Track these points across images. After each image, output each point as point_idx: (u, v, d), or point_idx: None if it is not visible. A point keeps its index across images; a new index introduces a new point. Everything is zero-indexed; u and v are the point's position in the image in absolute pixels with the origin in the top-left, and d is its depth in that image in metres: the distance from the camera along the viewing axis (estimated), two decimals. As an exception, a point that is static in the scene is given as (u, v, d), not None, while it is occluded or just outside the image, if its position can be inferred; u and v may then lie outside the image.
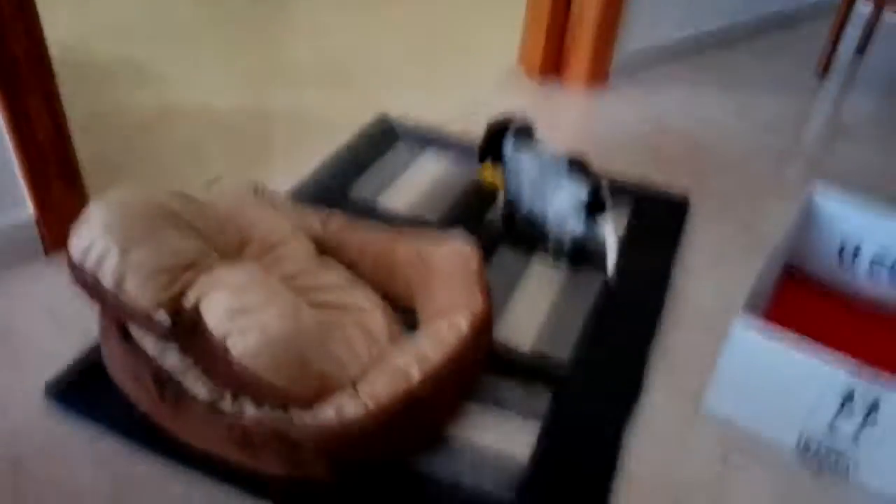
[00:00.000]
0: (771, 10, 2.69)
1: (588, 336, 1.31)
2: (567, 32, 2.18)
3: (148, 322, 1.02)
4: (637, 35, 2.25)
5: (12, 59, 1.22)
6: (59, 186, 1.38)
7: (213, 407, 1.01)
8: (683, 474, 1.11)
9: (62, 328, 1.27)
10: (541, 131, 1.95)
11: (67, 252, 1.06)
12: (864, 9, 2.58)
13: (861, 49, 2.69)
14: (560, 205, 1.41)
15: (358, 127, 1.91)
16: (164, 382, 1.03)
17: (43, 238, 1.41)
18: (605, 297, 1.40)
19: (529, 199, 1.51)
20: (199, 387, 1.03)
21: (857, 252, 1.42)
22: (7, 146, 1.31)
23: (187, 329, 1.01)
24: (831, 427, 1.07)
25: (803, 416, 1.09)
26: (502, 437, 1.12)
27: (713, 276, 1.51)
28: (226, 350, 0.97)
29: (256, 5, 2.67)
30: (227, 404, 1.01)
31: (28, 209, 1.38)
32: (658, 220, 1.65)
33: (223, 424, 1.00)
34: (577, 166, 1.42)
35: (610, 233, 1.38)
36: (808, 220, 1.43)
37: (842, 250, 1.44)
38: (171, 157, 1.76)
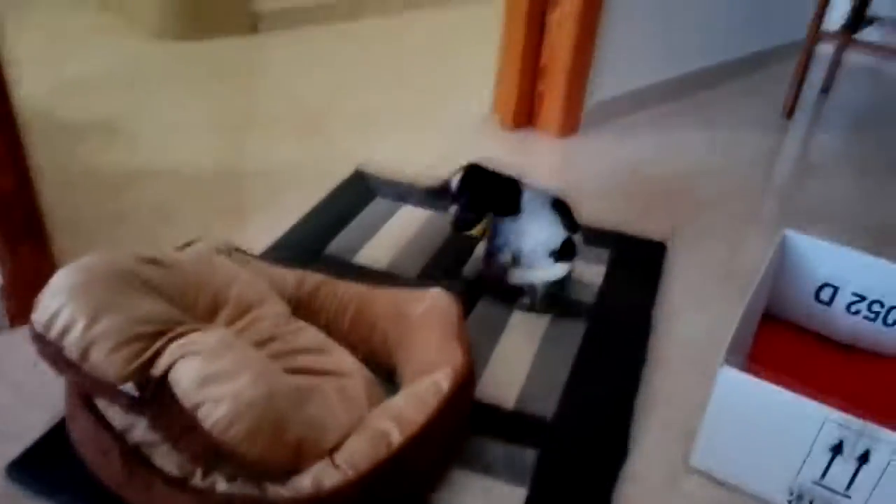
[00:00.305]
0: (739, 54, 2.75)
1: (572, 388, 1.29)
2: (538, 81, 2.21)
3: (114, 394, 0.98)
4: (607, 82, 2.28)
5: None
6: (25, 250, 1.34)
7: (183, 483, 0.97)
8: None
9: (27, 404, 1.22)
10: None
11: (31, 322, 1.02)
12: (827, 49, 2.64)
13: (826, 89, 2.75)
14: (535, 244, 1.42)
15: (333, 179, 1.90)
16: (131, 458, 0.99)
17: (8, 308, 1.37)
18: (589, 346, 1.39)
19: (511, 239, 1.47)
20: (168, 462, 0.99)
21: (834, 293, 1.42)
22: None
23: (156, 400, 0.97)
24: (823, 476, 1.05)
25: (794, 467, 1.07)
26: (488, 502, 1.09)
27: (696, 315, 1.51)
28: (196, 421, 0.94)
29: (228, 56, 2.68)
30: (198, 480, 0.97)
31: (-6, 278, 1.34)
32: (637, 264, 1.64)
33: (194, 502, 0.95)
34: (560, 207, 1.44)
35: (561, 269, 1.43)
36: (782, 263, 1.43)
37: (818, 292, 1.43)
38: (143, 219, 1.74)
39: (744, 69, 2.80)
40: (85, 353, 0.98)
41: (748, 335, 1.35)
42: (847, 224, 1.88)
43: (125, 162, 1.97)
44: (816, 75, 2.61)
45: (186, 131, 2.16)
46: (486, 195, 1.44)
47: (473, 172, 1.45)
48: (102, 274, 1.06)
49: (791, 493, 1.10)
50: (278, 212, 1.77)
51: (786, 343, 1.44)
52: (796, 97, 2.49)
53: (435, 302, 1.30)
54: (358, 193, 1.87)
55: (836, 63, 2.72)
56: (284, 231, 1.69)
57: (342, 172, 1.93)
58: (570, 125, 2.24)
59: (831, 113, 2.58)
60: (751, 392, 1.05)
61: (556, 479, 1.12)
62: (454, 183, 1.43)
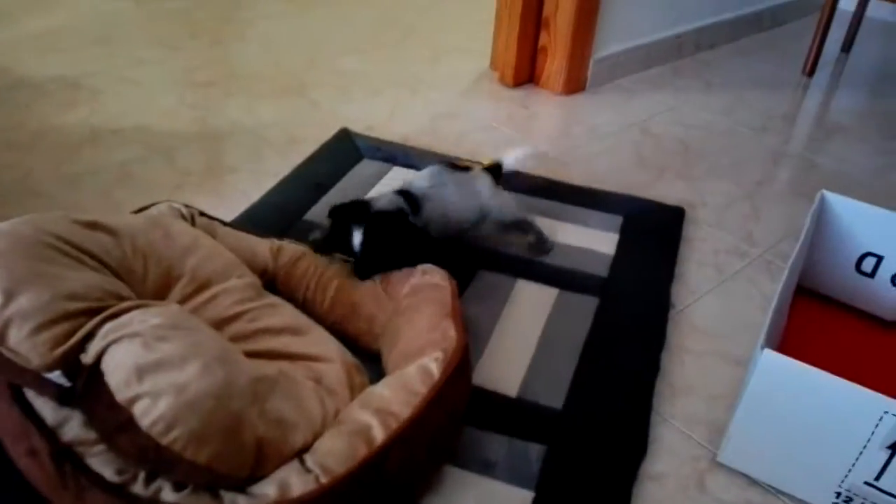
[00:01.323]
0: (751, 10, 2.56)
1: (584, 372, 1.13)
2: (541, 34, 2.02)
3: (39, 384, 0.82)
4: (615, 36, 2.09)
5: None
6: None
7: (122, 491, 0.80)
8: (704, 540, 0.93)
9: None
10: (517, 139, 1.79)
11: None
12: (847, 6, 2.46)
13: (846, 47, 2.57)
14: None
15: (316, 143, 1.72)
16: (63, 460, 0.83)
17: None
18: (601, 326, 1.22)
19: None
20: (106, 465, 0.82)
21: (878, 264, 1.26)
22: None
23: (89, 392, 0.81)
24: (879, 477, 0.90)
25: (844, 466, 0.91)
26: (487, 505, 0.93)
27: (716, 292, 1.34)
28: (131, 419, 0.78)
29: (205, 13, 2.48)
30: (139, 487, 0.81)
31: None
32: (654, 231, 1.47)
33: (136, 513, 0.79)
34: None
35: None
36: (819, 232, 1.27)
37: (860, 262, 1.27)
38: (103, 182, 1.56)
39: (759, 25, 2.61)
40: (2, 335, 0.82)
41: (783, 314, 1.19)
42: (875, 189, 1.71)
43: (86, 120, 1.79)
44: (836, 33, 2.43)
45: (156, 90, 1.97)
46: (390, 253, 1.18)
47: (376, 224, 1.17)
48: (25, 240, 0.89)
49: (838, 496, 0.95)
50: (254, 175, 1.60)
51: (822, 321, 1.28)
52: (818, 54, 2.31)
53: (426, 277, 1.14)
54: (343, 155, 1.69)
55: (856, 20, 2.53)
56: (259, 196, 1.51)
57: (325, 135, 1.75)
58: (576, 82, 2.06)
59: (852, 72, 2.40)
60: (796, 379, 0.89)
61: (567, 479, 0.97)
62: (356, 237, 1.16)
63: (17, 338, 0.81)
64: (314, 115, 1.88)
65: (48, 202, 1.48)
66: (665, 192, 1.64)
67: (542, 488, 0.95)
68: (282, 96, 1.96)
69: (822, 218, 1.26)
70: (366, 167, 1.65)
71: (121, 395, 0.78)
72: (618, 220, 1.50)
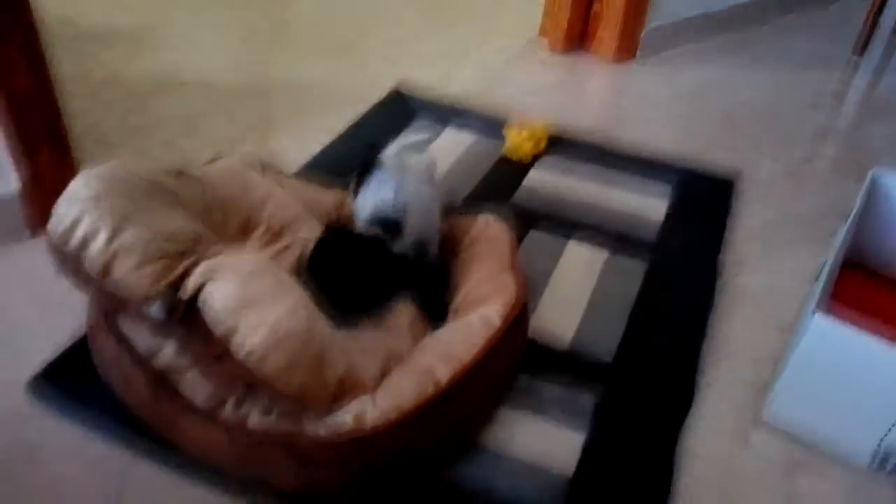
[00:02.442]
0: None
1: (633, 331, 1.18)
2: (594, 2, 2.04)
3: (139, 315, 0.89)
4: (666, 8, 2.09)
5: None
6: (44, 154, 1.24)
7: (212, 414, 0.88)
8: (743, 491, 0.98)
9: (50, 315, 1.14)
10: (566, 105, 1.81)
11: (47, 230, 0.92)
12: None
13: (898, 27, 2.54)
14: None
15: (368, 101, 1.77)
16: (157, 386, 0.90)
17: (28, 215, 1.28)
18: (650, 287, 1.27)
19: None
20: (197, 391, 0.90)
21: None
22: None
23: (184, 324, 0.88)
24: (918, 439, 0.95)
25: (884, 425, 0.96)
26: (542, 444, 0.99)
27: (764, 261, 1.38)
28: (229, 349, 0.84)
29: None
30: (229, 410, 0.88)
31: (11, 181, 1.24)
32: (703, 201, 1.51)
33: (224, 433, 0.86)
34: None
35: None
36: (868, 209, 1.29)
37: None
38: (167, 132, 1.62)
39: (805, 4, 2.58)
40: (107, 267, 0.88)
41: (831, 284, 1.23)
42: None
43: (150, 72, 1.85)
44: (888, 14, 2.40)
45: (214, 45, 2.02)
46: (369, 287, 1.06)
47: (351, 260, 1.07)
48: (126, 182, 0.95)
49: (875, 455, 1.00)
50: (307, 132, 1.65)
51: (869, 294, 1.31)
52: (871, 33, 2.29)
53: (486, 228, 1.19)
54: (396, 114, 1.74)
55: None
56: (315, 151, 1.57)
57: (377, 95, 1.80)
58: (627, 50, 2.07)
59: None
60: (846, 343, 0.94)
61: (617, 426, 1.03)
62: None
63: (121, 271, 0.88)
64: (367, 76, 1.92)
65: (117, 151, 1.55)
66: (712, 163, 1.66)
67: (593, 433, 1.01)
68: (337, 57, 2.00)
69: (872, 195, 1.28)
70: (419, 127, 1.69)
71: (219, 327, 0.85)
72: (667, 188, 1.53)
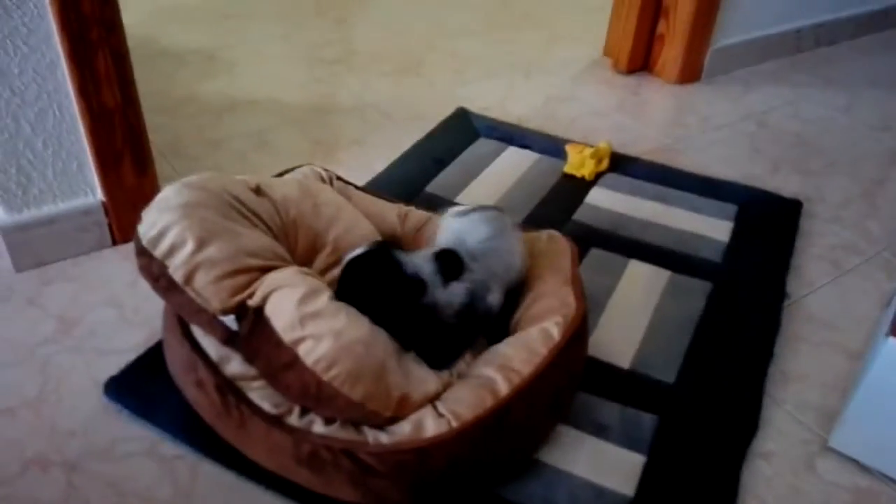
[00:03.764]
0: (876, 7, 2.46)
1: (696, 353, 1.17)
2: (659, 21, 2.03)
3: (212, 325, 0.93)
4: (733, 28, 2.07)
5: (82, 15, 1.15)
6: (129, 167, 1.31)
7: (279, 422, 0.91)
8: (811, 519, 0.96)
9: (127, 322, 1.20)
10: (629, 125, 1.81)
11: (136, 234, 0.97)
12: None
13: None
14: None
15: (432, 120, 1.80)
16: (227, 391, 0.94)
17: (111, 225, 1.35)
18: (714, 308, 1.25)
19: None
20: (264, 399, 0.93)
21: None
22: (73, 112, 1.23)
23: (252, 334, 0.91)
24: None
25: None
26: (601, 464, 0.99)
27: (833, 284, 1.35)
28: (297, 357, 0.87)
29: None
30: (294, 419, 0.91)
31: (96, 192, 1.31)
32: (768, 223, 1.48)
33: (289, 441, 0.89)
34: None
35: None
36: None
37: None
38: (240, 146, 1.69)
39: (883, 23, 2.51)
40: (189, 276, 0.93)
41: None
42: None
43: (224, 90, 1.93)
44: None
45: (283, 63, 2.09)
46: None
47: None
48: (214, 196, 1.00)
49: (953, 489, 0.96)
50: (374, 148, 1.69)
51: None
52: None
53: (548, 244, 1.20)
54: (460, 133, 1.76)
55: None
56: (381, 168, 1.61)
57: (442, 113, 1.83)
58: (692, 71, 2.06)
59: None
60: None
61: (679, 449, 1.02)
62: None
63: (202, 282, 0.92)
64: (431, 93, 1.96)
65: (195, 163, 1.62)
66: (780, 185, 1.63)
67: (655, 454, 1.00)
68: (401, 74, 2.05)
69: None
70: (482, 146, 1.72)
71: (287, 337, 0.88)
72: (732, 208, 1.51)
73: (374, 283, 0.97)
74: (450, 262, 1.01)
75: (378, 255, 0.99)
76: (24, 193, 1.26)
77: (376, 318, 0.94)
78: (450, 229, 1.09)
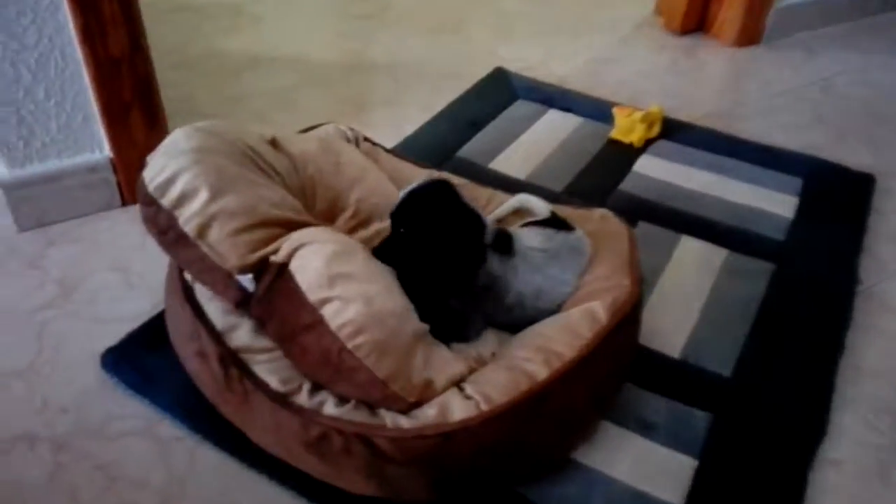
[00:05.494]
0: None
1: (756, 340, 1.04)
2: (717, -22, 1.87)
3: (225, 285, 0.82)
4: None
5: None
6: (139, 121, 1.21)
7: (285, 400, 0.81)
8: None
9: (132, 288, 1.12)
10: (682, 89, 1.67)
11: (140, 181, 0.86)
12: None
13: None
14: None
15: (470, 79, 1.67)
16: (230, 363, 0.84)
17: (119, 184, 1.26)
18: (777, 293, 1.12)
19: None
20: (271, 374, 0.83)
21: None
22: (77, 58, 1.13)
23: (271, 291, 0.80)
24: None
25: None
26: (646, 466, 0.88)
27: (910, 274, 1.21)
28: (321, 318, 0.77)
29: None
30: (303, 398, 0.81)
31: (104, 147, 1.22)
32: (839, 198, 1.34)
33: (297, 423, 0.79)
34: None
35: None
36: None
37: None
38: (261, 105, 1.59)
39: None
40: (203, 229, 0.82)
41: None
42: None
43: (248, 45, 1.82)
44: None
45: (313, 19, 1.98)
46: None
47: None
48: (228, 143, 0.89)
49: None
50: (405, 109, 1.58)
51: None
52: None
53: (601, 223, 1.07)
54: (497, 94, 1.63)
55: None
56: (413, 129, 1.49)
57: (478, 73, 1.70)
58: (751, 33, 1.89)
59: None
60: None
61: (735, 451, 0.90)
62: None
63: (218, 235, 0.82)
64: (469, 52, 1.83)
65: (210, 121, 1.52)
66: (847, 156, 1.48)
67: (708, 458, 0.88)
68: (438, 32, 1.92)
69: None
70: (520, 108, 1.59)
71: (313, 296, 0.78)
72: (797, 181, 1.37)
73: (439, 213, 0.88)
74: (504, 238, 0.93)
75: (441, 188, 0.90)
76: (26, 146, 1.18)
77: (433, 252, 0.86)
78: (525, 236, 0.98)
